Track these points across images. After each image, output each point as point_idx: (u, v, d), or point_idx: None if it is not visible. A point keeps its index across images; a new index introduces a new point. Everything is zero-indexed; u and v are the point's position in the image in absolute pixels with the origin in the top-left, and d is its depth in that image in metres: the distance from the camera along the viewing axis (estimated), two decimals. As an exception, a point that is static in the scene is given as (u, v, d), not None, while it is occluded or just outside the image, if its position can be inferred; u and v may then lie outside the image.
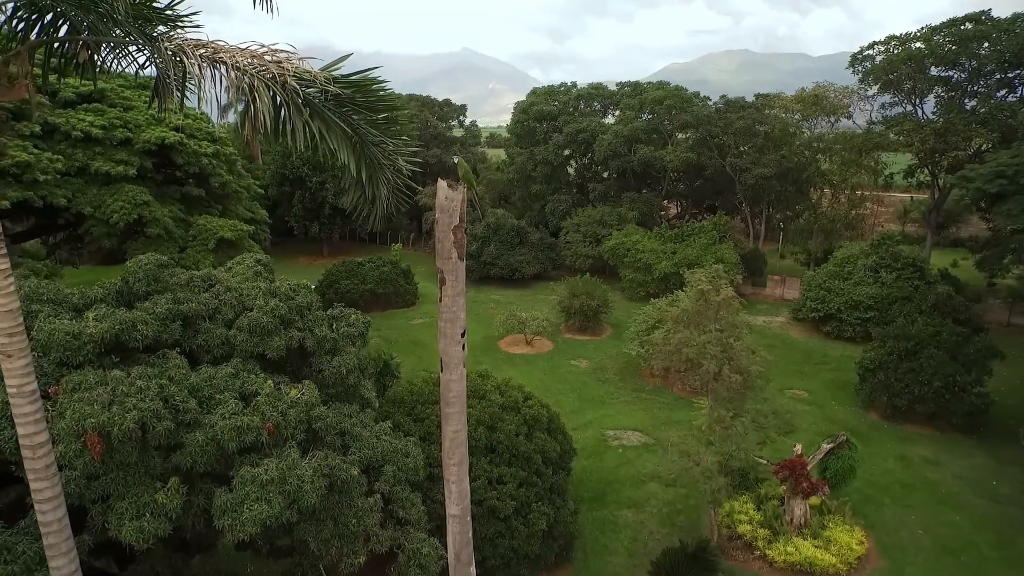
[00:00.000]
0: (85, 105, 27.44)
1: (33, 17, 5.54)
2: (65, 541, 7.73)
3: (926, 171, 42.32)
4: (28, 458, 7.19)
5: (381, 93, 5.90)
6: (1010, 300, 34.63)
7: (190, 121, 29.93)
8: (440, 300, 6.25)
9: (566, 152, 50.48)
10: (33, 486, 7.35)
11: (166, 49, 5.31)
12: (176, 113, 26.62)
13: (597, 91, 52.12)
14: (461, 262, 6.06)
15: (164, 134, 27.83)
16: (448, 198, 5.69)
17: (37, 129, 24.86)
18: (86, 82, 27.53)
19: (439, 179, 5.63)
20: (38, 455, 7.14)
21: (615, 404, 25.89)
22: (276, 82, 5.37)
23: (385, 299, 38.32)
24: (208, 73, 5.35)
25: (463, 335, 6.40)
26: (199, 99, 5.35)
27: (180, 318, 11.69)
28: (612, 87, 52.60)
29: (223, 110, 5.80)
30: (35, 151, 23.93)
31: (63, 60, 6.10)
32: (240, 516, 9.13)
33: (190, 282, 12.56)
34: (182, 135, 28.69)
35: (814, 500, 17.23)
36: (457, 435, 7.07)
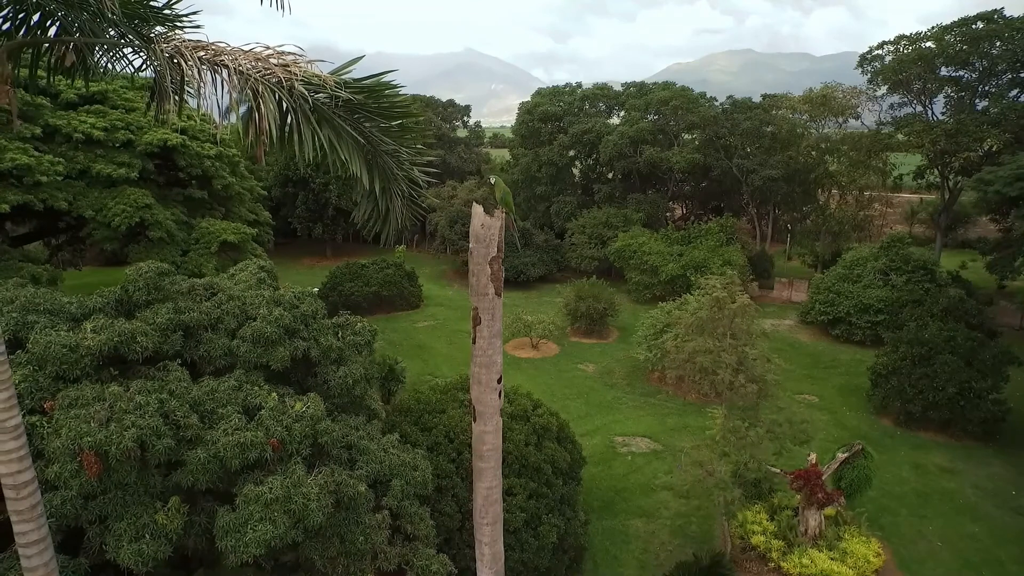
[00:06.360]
0: (87, 107, 27.11)
1: (19, 16, 5.16)
2: None
3: (935, 172, 41.82)
4: (11, 499, 6.52)
5: (395, 98, 5.44)
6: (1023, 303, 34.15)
7: (193, 123, 29.60)
8: (474, 342, 5.58)
9: (571, 153, 50.03)
10: (17, 528, 6.69)
11: (163, 52, 4.92)
12: (176, 117, 26.26)
13: (602, 92, 51.65)
14: (499, 298, 5.42)
15: (167, 136, 27.48)
16: (484, 226, 5.04)
17: (38, 131, 24.52)
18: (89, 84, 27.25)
19: (474, 204, 4.96)
20: (22, 495, 6.48)
21: (623, 409, 25.49)
22: (282, 87, 4.96)
23: (389, 302, 37.95)
24: (209, 77, 4.97)
25: (499, 381, 5.70)
26: (198, 104, 4.94)
27: (181, 328, 11.32)
28: (617, 87, 52.12)
29: (225, 113, 5.40)
30: (36, 154, 23.58)
31: (52, 63, 5.68)
32: (243, 537, 8.75)
33: (192, 290, 12.20)
34: (184, 137, 28.35)
35: (829, 511, 16.82)
36: (491, 492, 6.39)
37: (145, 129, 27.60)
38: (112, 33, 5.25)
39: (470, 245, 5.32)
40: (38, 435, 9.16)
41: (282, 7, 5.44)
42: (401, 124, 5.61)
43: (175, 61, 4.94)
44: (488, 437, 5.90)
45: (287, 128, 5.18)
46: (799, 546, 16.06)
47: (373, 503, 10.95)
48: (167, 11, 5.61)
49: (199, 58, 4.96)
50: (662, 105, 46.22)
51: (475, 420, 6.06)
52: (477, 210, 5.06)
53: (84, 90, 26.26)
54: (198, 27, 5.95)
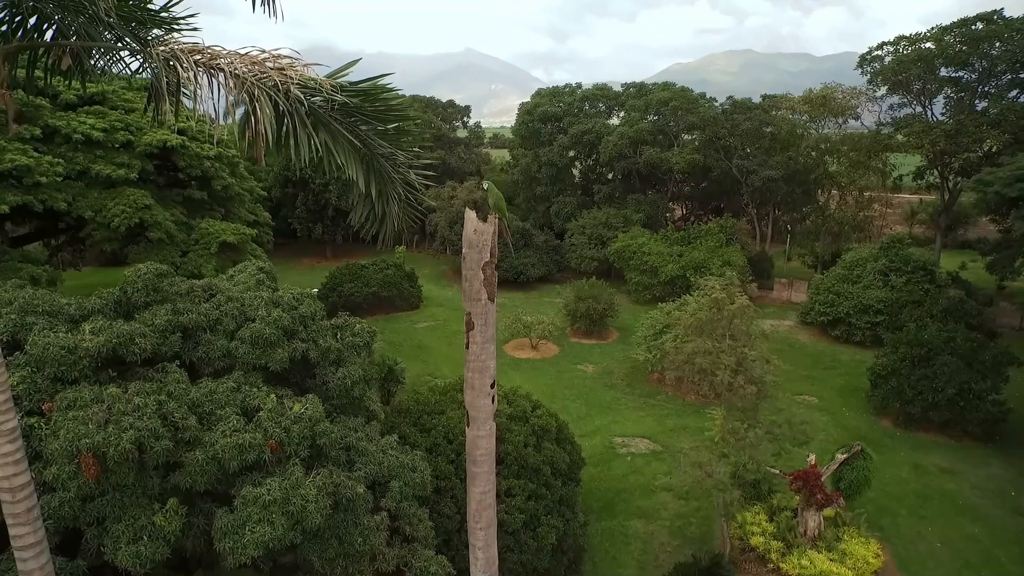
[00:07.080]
0: (86, 108, 27.12)
1: (16, 20, 5.16)
2: None
3: (935, 173, 41.82)
4: (7, 502, 6.52)
5: (391, 101, 5.45)
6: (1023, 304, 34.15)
7: (193, 124, 29.61)
8: (467, 347, 5.60)
9: (571, 153, 50.04)
10: (13, 532, 6.69)
11: (159, 55, 4.91)
12: (173, 119, 26.25)
13: (602, 92, 51.66)
14: (492, 304, 5.44)
15: (166, 137, 27.49)
16: (477, 231, 5.05)
17: (37, 132, 24.54)
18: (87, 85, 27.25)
19: (466, 209, 4.98)
20: (18, 498, 6.50)
21: (623, 410, 25.48)
22: (278, 90, 4.96)
23: (389, 302, 37.96)
24: (205, 80, 4.97)
25: (493, 386, 5.73)
26: (194, 106, 4.94)
27: (180, 330, 11.32)
28: (616, 88, 52.12)
29: (224, 116, 5.40)
30: (35, 154, 23.60)
31: (49, 65, 5.68)
32: (241, 539, 8.76)
33: (190, 292, 12.20)
34: (184, 138, 28.36)
35: (828, 512, 16.82)
36: (485, 496, 6.41)
37: (145, 130, 27.59)
38: (109, 36, 5.25)
39: (463, 250, 5.33)
40: (36, 437, 9.17)
41: (275, 14, 5.44)
42: (397, 127, 5.62)
43: (171, 64, 4.94)
44: (481, 442, 5.92)
45: (283, 131, 5.18)
46: (798, 547, 16.05)
47: (372, 504, 10.95)
48: (164, 14, 5.60)
49: (195, 61, 4.96)
50: (662, 106, 46.22)
51: (468, 425, 6.06)
52: (470, 215, 5.07)
53: (82, 91, 26.26)
54: (195, 29, 5.95)
